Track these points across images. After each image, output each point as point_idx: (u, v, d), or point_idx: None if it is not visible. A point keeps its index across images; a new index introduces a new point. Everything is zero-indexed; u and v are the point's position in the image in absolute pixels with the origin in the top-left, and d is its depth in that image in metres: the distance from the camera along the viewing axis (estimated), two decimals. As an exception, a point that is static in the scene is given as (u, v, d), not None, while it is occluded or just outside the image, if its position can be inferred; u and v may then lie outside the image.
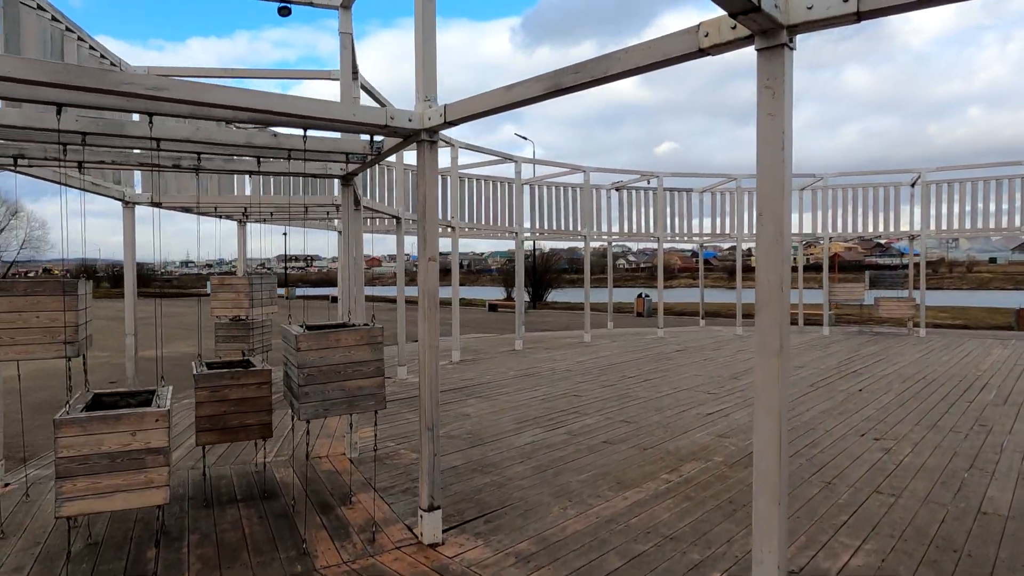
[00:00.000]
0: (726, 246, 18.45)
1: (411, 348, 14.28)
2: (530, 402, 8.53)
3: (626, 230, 17.98)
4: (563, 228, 16.51)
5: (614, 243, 19.45)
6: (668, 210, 17.94)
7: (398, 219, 10.49)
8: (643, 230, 17.90)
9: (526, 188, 16.73)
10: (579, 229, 16.56)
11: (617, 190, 18.19)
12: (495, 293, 48.28)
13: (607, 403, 8.44)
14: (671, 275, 73.86)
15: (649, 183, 17.46)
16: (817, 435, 6.76)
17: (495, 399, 8.75)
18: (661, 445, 6.41)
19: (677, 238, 18.28)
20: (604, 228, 17.73)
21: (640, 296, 29.43)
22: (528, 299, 44.44)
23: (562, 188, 17.00)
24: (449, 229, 12.72)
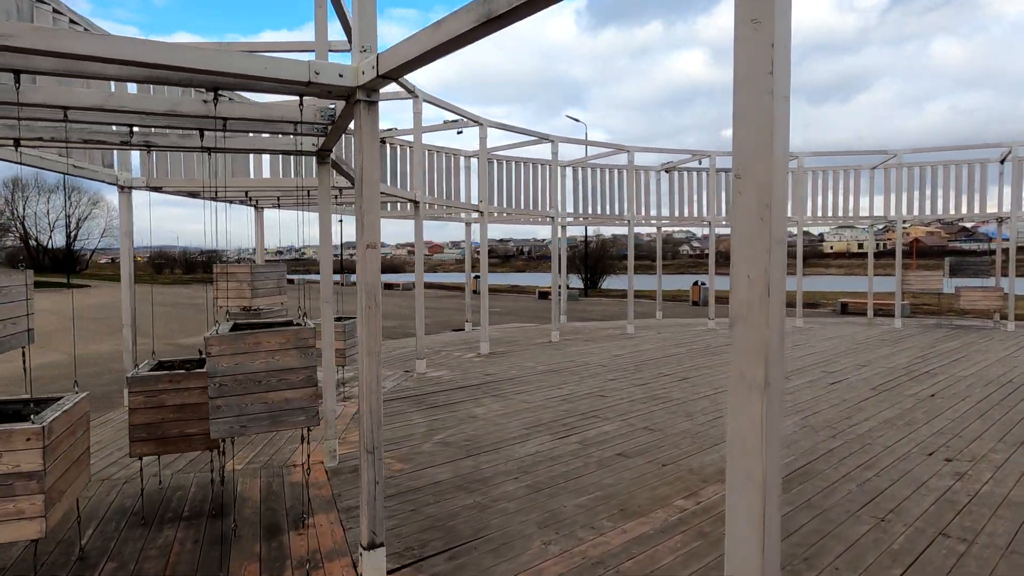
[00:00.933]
0: (794, 230, 17.01)
1: (431, 340, 13.66)
2: (548, 403, 7.75)
3: (676, 214, 16.84)
4: (606, 213, 15.54)
5: (664, 227, 18.31)
6: (722, 193, 16.68)
7: (416, 203, 9.83)
8: (695, 214, 16.72)
9: (568, 171, 15.86)
10: (623, 213, 15.55)
11: (667, 171, 17.06)
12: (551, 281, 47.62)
13: (634, 405, 7.57)
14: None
15: (700, 163, 16.24)
16: (874, 452, 5.72)
17: (511, 398, 8.01)
18: (684, 460, 5.53)
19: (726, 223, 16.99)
20: (653, 212, 16.65)
21: (696, 284, 28.01)
22: (582, 286, 43.45)
23: (606, 170, 16.01)
24: (476, 214, 12.00)
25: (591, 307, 26.48)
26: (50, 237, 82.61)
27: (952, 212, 16.06)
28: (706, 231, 16.76)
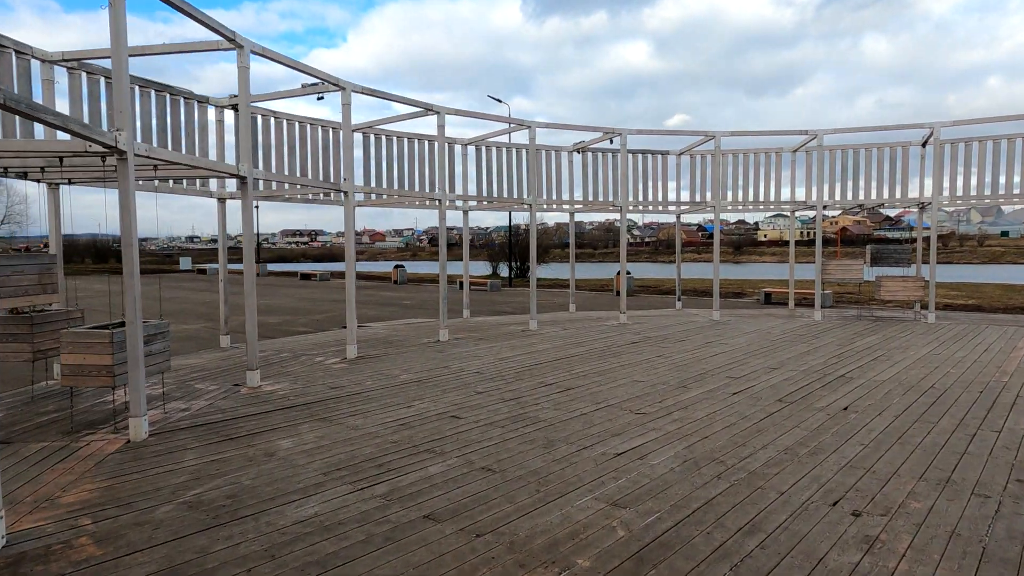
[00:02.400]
0: (701, 217, 15.91)
1: (301, 340, 11.58)
2: (381, 430, 6.14)
3: (591, 198, 15.48)
4: (505, 196, 14.01)
5: (577, 212, 16.93)
6: (634, 175, 15.40)
7: (241, 178, 7.99)
8: (607, 198, 15.38)
9: (471, 150, 14.25)
10: (523, 197, 14.06)
11: (579, 151, 15.66)
12: (484, 269, 45.80)
13: (488, 431, 6.04)
14: (671, 249, 71.14)
15: (612, 143, 14.87)
16: (765, 503, 4.35)
17: (339, 423, 6.37)
18: (510, 525, 4.02)
19: (646, 207, 15.75)
20: (563, 195, 15.22)
21: (619, 274, 26.91)
22: (509, 275, 41.99)
23: (512, 150, 14.48)
24: (341, 195, 10.25)
25: (511, 298, 25.04)
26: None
27: (874, 197, 15.23)
28: (665, 218, 15.48)
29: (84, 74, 7.97)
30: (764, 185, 15.90)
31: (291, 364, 9.61)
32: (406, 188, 12.71)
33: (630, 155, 15.42)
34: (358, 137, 12.24)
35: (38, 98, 7.57)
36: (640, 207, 15.74)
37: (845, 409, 6.81)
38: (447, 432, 6.03)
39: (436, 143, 12.08)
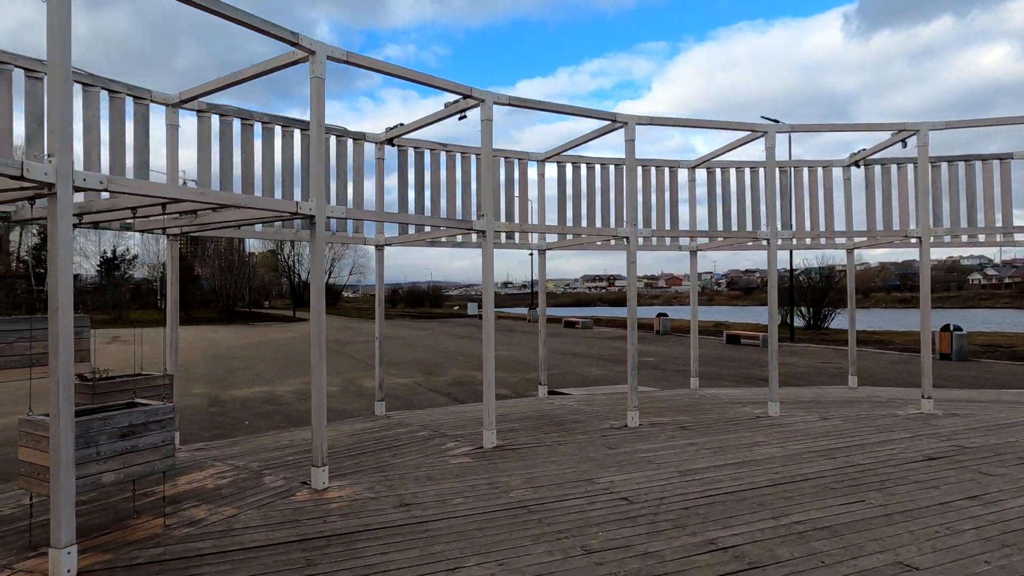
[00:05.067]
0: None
1: (454, 412, 8.84)
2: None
3: (879, 226, 10.97)
4: (728, 227, 10.46)
5: (858, 247, 12.27)
6: (936, 190, 10.51)
7: (483, 233, 6.29)
8: (903, 225, 10.69)
9: (683, 175, 11.21)
10: (756, 229, 10.32)
11: (856, 165, 11.33)
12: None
13: None
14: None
15: (905, 146, 10.22)
16: None
17: (317, 595, 3.98)
18: None
19: (973, 237, 10.57)
20: (833, 225, 11.03)
21: (947, 329, 19.96)
22: (807, 322, 35.80)
23: (732, 170, 11.03)
24: (476, 235, 8.06)
25: (784, 359, 20.19)
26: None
27: None
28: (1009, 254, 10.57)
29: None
30: None
31: (407, 451, 7.57)
32: (597, 224, 10.09)
33: (934, 164, 10.56)
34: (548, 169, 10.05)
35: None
36: (958, 236, 10.61)
37: None
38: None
39: (624, 167, 9.25)
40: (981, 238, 10.55)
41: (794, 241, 11.51)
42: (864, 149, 11.14)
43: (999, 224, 10.29)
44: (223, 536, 4.96)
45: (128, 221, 7.19)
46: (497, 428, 8.46)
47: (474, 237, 9.37)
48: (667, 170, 11.25)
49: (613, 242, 10.44)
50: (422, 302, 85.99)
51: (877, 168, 11.14)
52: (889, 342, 24.85)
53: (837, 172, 11.49)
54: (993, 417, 9.25)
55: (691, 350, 12.27)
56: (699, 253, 12.40)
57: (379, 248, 10.00)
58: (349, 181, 8.86)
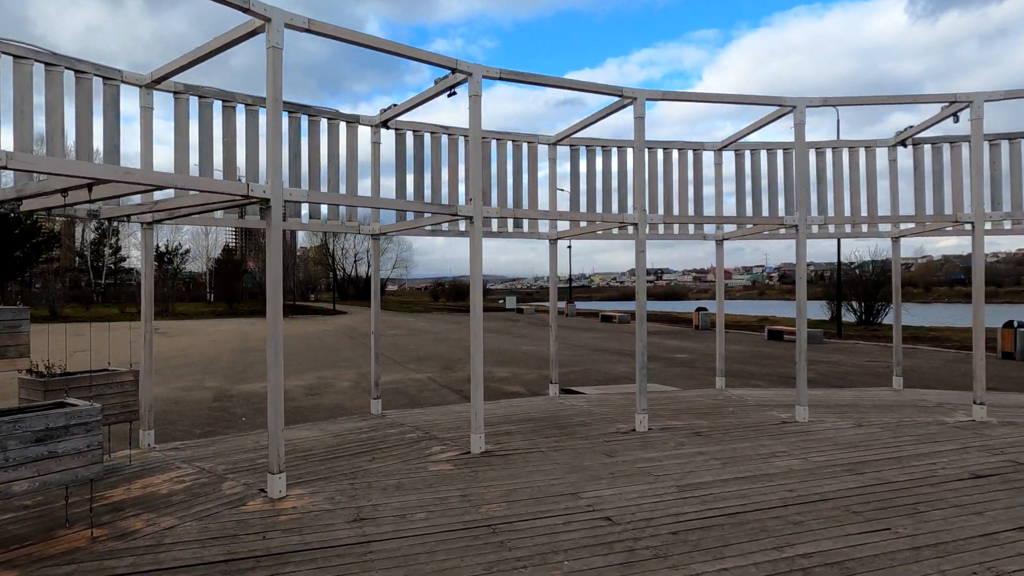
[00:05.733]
0: None
1: (453, 412, 8.02)
2: None
3: (929, 211, 9.88)
4: (759, 214, 9.54)
5: (904, 236, 11.12)
6: (994, 169, 9.38)
7: (470, 219, 5.74)
8: (957, 210, 9.57)
9: (707, 156, 10.38)
10: (784, 215, 9.38)
11: (903, 145, 10.26)
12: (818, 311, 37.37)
13: None
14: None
15: (957, 120, 9.09)
16: None
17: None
18: None
19: (1021, 223, 9.40)
20: (877, 210, 10.00)
21: (1010, 325, 18.34)
22: (857, 318, 34.00)
23: (761, 152, 10.08)
24: (466, 222, 7.40)
25: (826, 355, 18.96)
26: (354, 267, 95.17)
27: None
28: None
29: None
30: None
31: (386, 456, 7.00)
32: (598, 210, 9.33)
33: (993, 142, 9.42)
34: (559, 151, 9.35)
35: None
36: (1020, 222, 9.43)
37: None
38: None
39: (632, 149, 8.45)
40: (1047, 224, 9.35)
41: (831, 228, 10.50)
42: (912, 127, 10.03)
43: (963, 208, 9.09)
44: (147, 553, 4.48)
45: (93, 209, 6.82)
46: (494, 430, 7.86)
47: (462, 225, 8.73)
48: (690, 152, 10.39)
49: (616, 230, 9.66)
50: (464, 296, 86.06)
51: (927, 148, 10.05)
52: (946, 340, 23.15)
53: (882, 153, 10.40)
54: (1057, 427, 8.13)
55: (717, 347, 11.36)
56: (739, 243, 11.47)
57: (375, 238, 9.48)
58: (342, 166, 8.35)
